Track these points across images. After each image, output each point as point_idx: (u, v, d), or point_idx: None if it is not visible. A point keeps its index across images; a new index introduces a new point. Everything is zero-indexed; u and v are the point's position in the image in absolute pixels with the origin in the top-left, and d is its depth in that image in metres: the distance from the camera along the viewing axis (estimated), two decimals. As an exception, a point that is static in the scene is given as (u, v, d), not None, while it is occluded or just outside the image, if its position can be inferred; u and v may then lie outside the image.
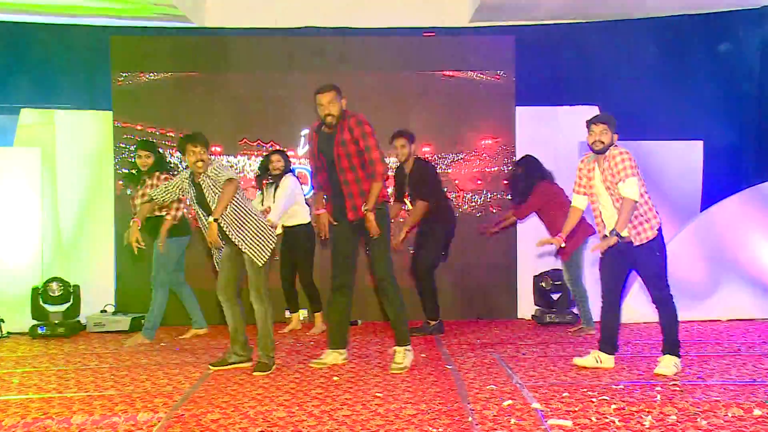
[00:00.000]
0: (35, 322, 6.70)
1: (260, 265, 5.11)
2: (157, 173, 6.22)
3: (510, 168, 7.08)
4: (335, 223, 5.22)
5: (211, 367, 5.25)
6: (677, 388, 4.54)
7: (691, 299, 6.90)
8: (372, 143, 5.04)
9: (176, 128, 7.19)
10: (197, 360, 5.64)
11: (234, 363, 5.29)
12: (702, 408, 4.14)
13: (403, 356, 5.21)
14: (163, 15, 7.47)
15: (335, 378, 4.98)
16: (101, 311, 6.99)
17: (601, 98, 7.62)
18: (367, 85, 7.29)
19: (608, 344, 5.18)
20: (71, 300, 6.83)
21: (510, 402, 4.29)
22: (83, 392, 4.69)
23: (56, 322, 6.64)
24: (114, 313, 6.94)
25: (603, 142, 4.96)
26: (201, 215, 5.17)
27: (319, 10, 7.79)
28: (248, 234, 5.07)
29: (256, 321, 5.21)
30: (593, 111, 7.56)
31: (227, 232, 5.05)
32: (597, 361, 5.14)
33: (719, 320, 6.99)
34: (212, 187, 5.04)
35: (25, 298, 6.73)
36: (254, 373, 5.08)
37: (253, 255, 5.08)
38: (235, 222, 5.04)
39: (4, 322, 6.62)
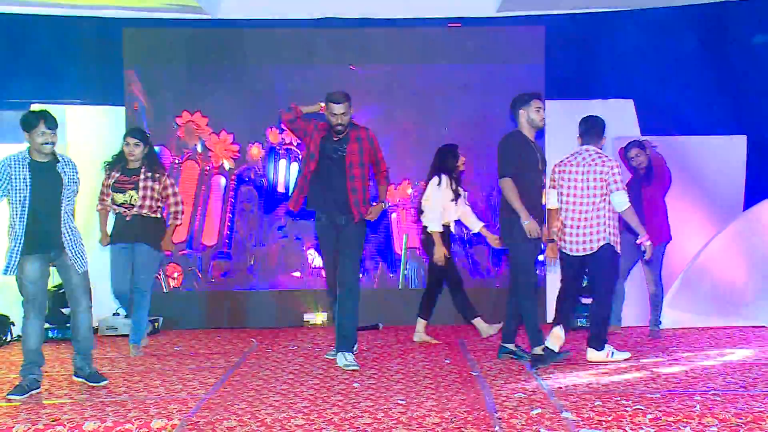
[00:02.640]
0: (47, 324, 6.62)
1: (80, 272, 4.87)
2: (160, 172, 5.86)
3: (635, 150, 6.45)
4: (320, 220, 5.53)
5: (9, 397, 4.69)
6: (718, 398, 4.39)
7: (733, 304, 6.73)
8: (382, 156, 5.57)
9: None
10: (212, 365, 5.57)
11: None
12: (745, 419, 4.01)
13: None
14: (177, 6, 7.37)
15: (356, 384, 4.89)
16: (113, 314, 6.92)
17: (635, 91, 7.44)
18: (388, 78, 7.15)
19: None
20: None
21: (539, 410, 4.20)
22: (95, 398, 4.64)
23: (68, 325, 6.54)
24: (126, 317, 6.82)
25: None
26: (36, 208, 4.70)
27: (338, 1, 7.64)
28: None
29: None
30: (627, 105, 7.37)
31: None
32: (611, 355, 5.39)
33: (764, 326, 6.72)
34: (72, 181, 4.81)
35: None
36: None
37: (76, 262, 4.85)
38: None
39: (14, 325, 6.56)
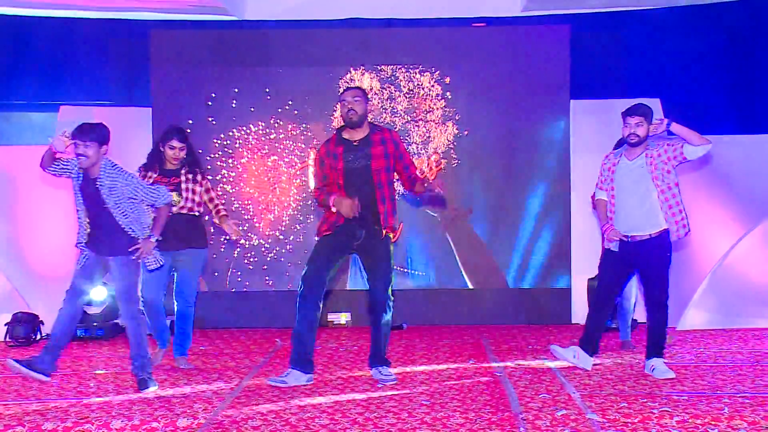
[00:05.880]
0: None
1: None
2: (202, 174, 5.50)
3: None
4: (337, 228, 4.89)
5: None
6: (747, 400, 4.32)
7: (762, 305, 6.63)
8: (411, 159, 5.07)
9: (218, 123, 7.14)
10: (237, 365, 5.57)
11: None
12: (776, 423, 3.92)
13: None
14: (203, 8, 7.43)
15: (380, 384, 4.87)
16: (140, 313, 6.94)
17: (662, 90, 7.35)
18: (413, 79, 7.13)
19: (588, 344, 5.13)
20: (110, 302, 6.82)
21: (564, 412, 4.15)
22: (122, 396, 4.66)
23: (95, 324, 6.62)
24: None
25: (638, 135, 4.91)
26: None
27: (363, 2, 7.65)
28: None
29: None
30: (654, 104, 7.27)
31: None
32: (574, 357, 5.11)
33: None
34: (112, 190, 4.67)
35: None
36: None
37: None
38: None
39: (43, 324, 6.64)
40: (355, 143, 4.86)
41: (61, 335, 4.85)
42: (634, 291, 5.86)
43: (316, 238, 5.02)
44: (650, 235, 4.92)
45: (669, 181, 4.90)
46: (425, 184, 4.85)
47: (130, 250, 4.72)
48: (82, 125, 4.69)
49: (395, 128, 5.12)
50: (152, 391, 4.76)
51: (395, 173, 4.98)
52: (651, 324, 5.05)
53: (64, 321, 4.83)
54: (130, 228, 4.71)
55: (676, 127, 4.87)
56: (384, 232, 4.88)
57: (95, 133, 4.64)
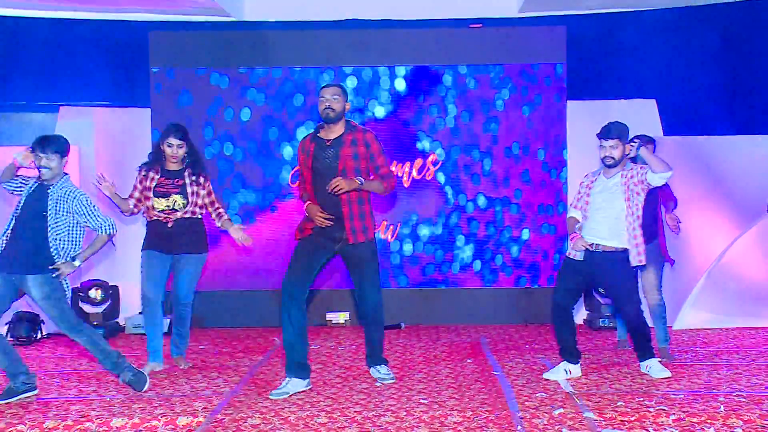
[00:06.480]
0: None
1: None
2: (204, 175, 5.36)
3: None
4: (310, 234, 4.83)
5: None
6: (743, 399, 4.35)
7: (757, 304, 6.65)
8: (386, 161, 4.93)
9: (217, 124, 7.16)
10: (236, 364, 5.60)
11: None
12: (771, 421, 3.95)
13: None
14: (202, 9, 7.44)
15: (378, 384, 4.90)
16: (140, 312, 6.95)
17: (658, 91, 7.38)
18: (411, 79, 7.16)
19: (567, 352, 5.07)
20: (110, 301, 6.83)
21: (561, 410, 4.18)
22: (123, 395, 4.68)
23: (95, 323, 6.63)
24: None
25: (613, 158, 4.93)
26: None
27: (361, 2, 7.68)
28: None
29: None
30: (650, 105, 7.33)
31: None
32: (567, 373, 5.00)
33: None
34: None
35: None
36: None
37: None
38: None
39: (44, 323, 6.65)
40: (327, 143, 4.79)
41: None
42: None
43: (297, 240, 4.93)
44: (615, 248, 4.89)
45: (637, 204, 4.89)
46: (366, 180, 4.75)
47: (50, 267, 4.56)
48: (44, 138, 4.66)
49: (369, 129, 4.96)
50: (146, 381, 4.76)
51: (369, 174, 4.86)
52: (631, 332, 5.07)
53: None
54: (54, 243, 4.59)
55: (643, 151, 4.87)
56: (349, 238, 4.75)
57: (57, 145, 4.63)
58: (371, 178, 4.83)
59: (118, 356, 4.76)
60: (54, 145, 4.63)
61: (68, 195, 4.64)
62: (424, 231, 7.18)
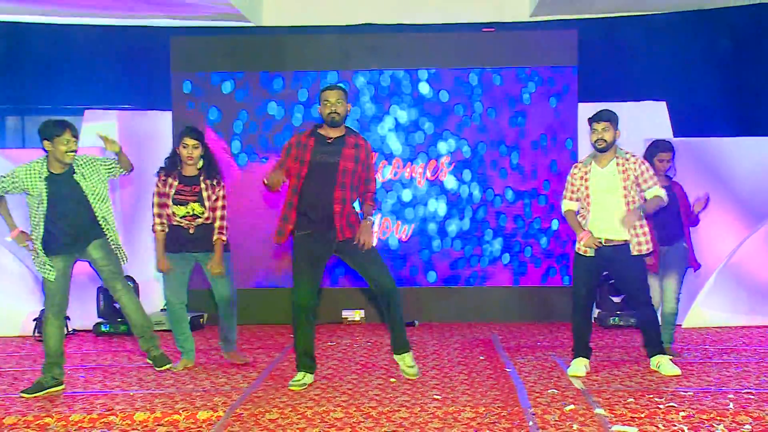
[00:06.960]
0: (99, 319, 6.84)
1: None
2: (218, 181, 5.34)
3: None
4: (302, 233, 4.80)
5: (24, 394, 4.70)
6: (752, 396, 4.37)
7: (765, 304, 6.65)
8: (374, 175, 5.00)
9: (237, 126, 7.26)
10: (255, 360, 5.66)
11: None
12: (779, 418, 3.97)
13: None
14: (221, 15, 7.55)
15: (392, 380, 4.96)
16: (161, 309, 7.05)
17: (668, 93, 7.40)
18: (424, 83, 7.21)
19: (585, 349, 5.11)
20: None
21: (572, 407, 4.21)
22: (145, 390, 4.78)
23: (119, 320, 6.74)
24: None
25: (605, 140, 4.90)
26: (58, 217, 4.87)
27: (374, 7, 7.77)
28: None
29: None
30: (660, 107, 7.36)
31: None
32: (586, 368, 5.05)
33: (797, 326, 6.69)
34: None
35: (91, 296, 6.85)
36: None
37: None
38: None
39: (69, 319, 6.76)
40: (329, 140, 4.77)
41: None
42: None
43: (276, 242, 4.90)
44: (625, 240, 4.91)
45: (633, 196, 4.92)
46: (367, 214, 4.80)
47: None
48: (68, 124, 4.89)
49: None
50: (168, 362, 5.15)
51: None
52: (642, 324, 5.13)
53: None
54: (100, 213, 5.03)
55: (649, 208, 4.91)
56: (344, 235, 4.75)
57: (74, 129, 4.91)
58: (360, 189, 4.86)
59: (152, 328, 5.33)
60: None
61: (88, 161, 4.99)
62: (452, 227, 7.24)
